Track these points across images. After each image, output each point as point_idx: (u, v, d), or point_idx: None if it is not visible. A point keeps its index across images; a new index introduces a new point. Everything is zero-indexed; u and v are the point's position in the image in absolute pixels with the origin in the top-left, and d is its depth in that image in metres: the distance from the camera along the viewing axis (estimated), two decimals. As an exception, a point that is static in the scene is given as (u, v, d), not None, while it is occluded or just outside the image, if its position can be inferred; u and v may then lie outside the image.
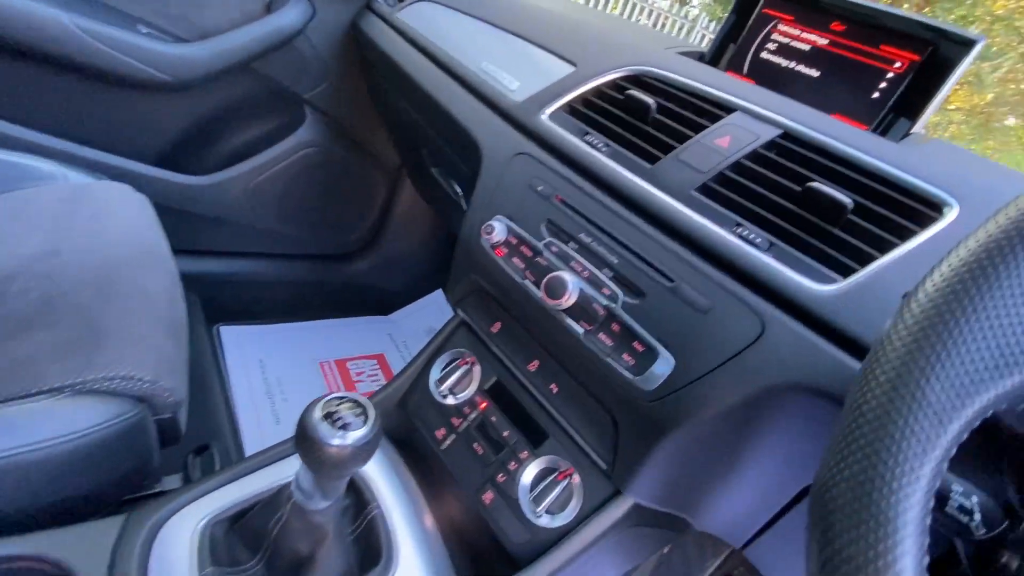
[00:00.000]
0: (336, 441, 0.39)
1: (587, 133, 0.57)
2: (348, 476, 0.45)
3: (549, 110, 0.60)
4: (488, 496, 0.59)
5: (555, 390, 0.57)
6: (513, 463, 0.59)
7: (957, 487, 0.25)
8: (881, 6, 0.54)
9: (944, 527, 0.25)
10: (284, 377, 1.20)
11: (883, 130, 0.54)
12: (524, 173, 0.59)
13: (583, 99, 0.60)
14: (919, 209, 0.43)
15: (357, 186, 1.33)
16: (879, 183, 0.45)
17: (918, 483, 0.20)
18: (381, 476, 0.61)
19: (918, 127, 0.54)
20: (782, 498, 0.49)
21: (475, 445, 0.62)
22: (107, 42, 0.86)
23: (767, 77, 0.61)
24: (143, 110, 0.98)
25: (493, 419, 0.63)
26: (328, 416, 0.41)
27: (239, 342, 1.23)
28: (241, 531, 0.51)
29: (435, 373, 0.67)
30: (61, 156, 0.90)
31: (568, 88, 0.61)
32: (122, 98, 0.95)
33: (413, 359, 0.70)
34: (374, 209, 1.39)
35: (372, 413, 0.42)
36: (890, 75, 0.54)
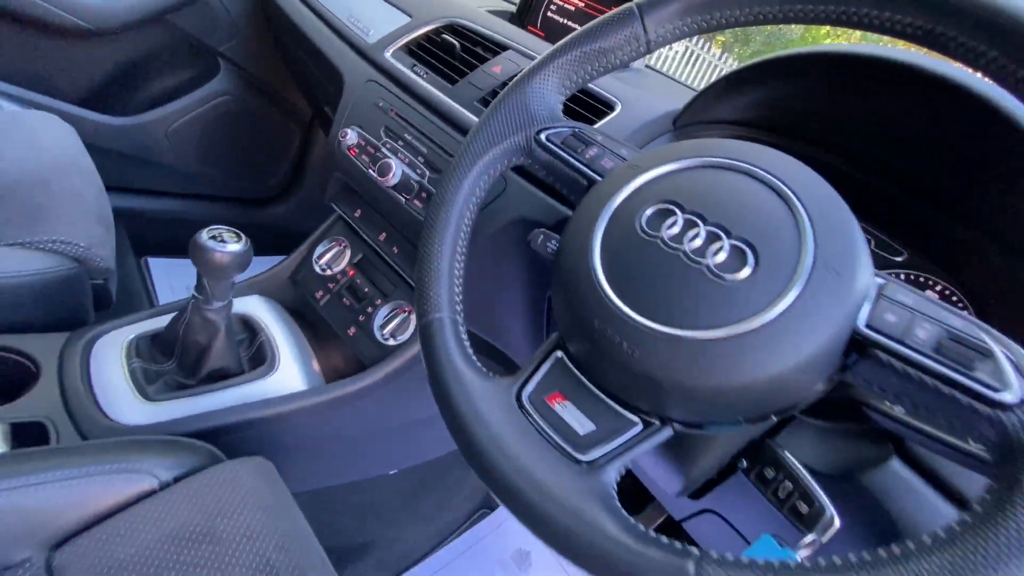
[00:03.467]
0: (218, 250, 0.61)
1: (415, 65, 0.79)
2: (230, 280, 0.66)
3: (391, 50, 0.82)
4: (352, 330, 0.81)
5: (396, 251, 0.80)
6: (370, 308, 0.82)
7: None
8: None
9: None
10: (208, 300, 1.36)
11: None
12: (372, 94, 0.80)
13: (416, 41, 0.82)
14: (599, 108, 0.68)
15: (272, 135, 1.49)
16: (589, 97, 0.69)
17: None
18: (272, 321, 0.82)
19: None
20: (540, 318, 0.73)
21: (344, 299, 0.84)
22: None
23: (553, 32, 0.85)
24: (66, 55, 1.12)
25: (358, 281, 0.85)
26: (214, 237, 0.62)
27: (168, 272, 1.39)
28: (158, 342, 0.72)
29: (317, 251, 0.89)
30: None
31: (405, 33, 0.82)
32: (47, 43, 1.08)
33: (301, 246, 0.91)
34: (289, 156, 1.56)
35: (244, 237, 0.63)
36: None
